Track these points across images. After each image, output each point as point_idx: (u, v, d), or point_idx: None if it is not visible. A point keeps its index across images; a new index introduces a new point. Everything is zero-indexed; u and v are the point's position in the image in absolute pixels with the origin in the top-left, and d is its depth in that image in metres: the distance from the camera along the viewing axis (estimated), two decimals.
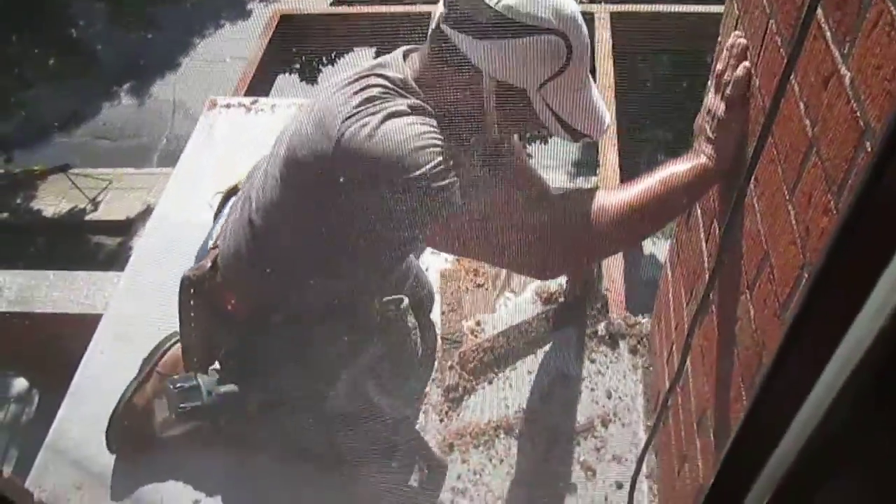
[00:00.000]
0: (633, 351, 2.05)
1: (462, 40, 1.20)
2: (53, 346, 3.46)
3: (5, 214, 8.17)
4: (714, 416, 1.29)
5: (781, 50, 0.96)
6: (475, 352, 2.07)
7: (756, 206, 1.07)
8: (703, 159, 1.17)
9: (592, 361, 2.05)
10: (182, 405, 1.55)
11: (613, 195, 1.22)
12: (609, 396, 1.97)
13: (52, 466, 1.94)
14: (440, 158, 1.18)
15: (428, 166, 1.16)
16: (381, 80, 1.26)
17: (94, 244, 7.54)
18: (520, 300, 2.25)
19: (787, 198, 0.94)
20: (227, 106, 3.02)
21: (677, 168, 1.18)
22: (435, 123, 1.23)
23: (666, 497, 1.68)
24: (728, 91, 1.13)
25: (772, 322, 0.99)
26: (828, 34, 0.81)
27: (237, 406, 1.55)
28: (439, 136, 1.21)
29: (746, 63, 1.11)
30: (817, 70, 0.84)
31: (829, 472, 0.63)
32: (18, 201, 8.26)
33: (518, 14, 1.16)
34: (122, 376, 1.87)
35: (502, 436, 1.93)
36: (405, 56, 1.34)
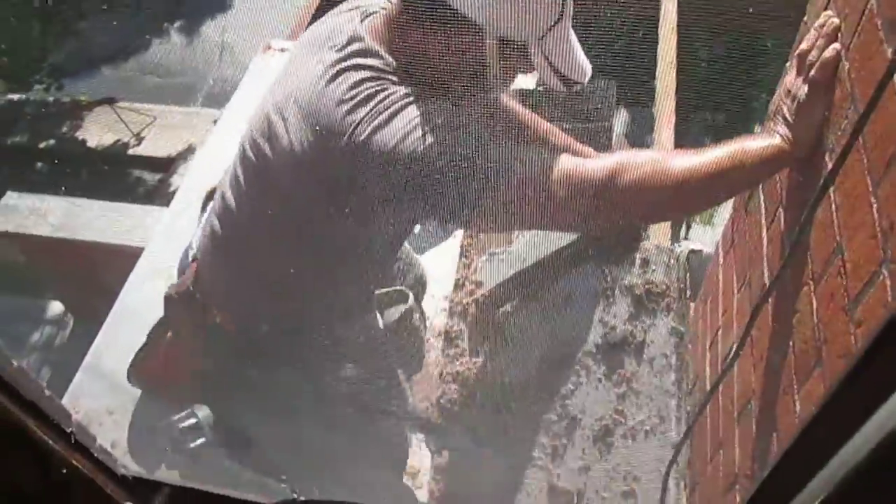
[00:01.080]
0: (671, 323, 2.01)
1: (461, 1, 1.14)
2: (91, 274, 3.52)
3: (52, 142, 8.28)
4: (758, 407, 1.27)
5: (881, 33, 0.91)
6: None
7: (832, 195, 1.02)
8: (777, 140, 1.12)
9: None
10: (189, 445, 1.50)
11: (677, 160, 1.15)
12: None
13: (87, 390, 1.98)
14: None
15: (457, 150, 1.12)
16: (365, 71, 1.18)
17: (135, 178, 7.61)
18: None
19: (871, 189, 0.90)
20: (283, 50, 2.99)
21: (749, 145, 1.13)
22: (437, 102, 1.17)
23: (694, 480, 1.67)
24: (813, 73, 1.08)
25: (837, 317, 0.95)
26: None
27: (239, 433, 1.51)
28: (452, 118, 1.16)
29: (837, 45, 1.06)
30: None
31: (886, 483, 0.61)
32: (64, 130, 8.36)
33: None
34: (157, 311, 1.89)
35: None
36: (363, 21, 1.27)
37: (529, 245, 2.06)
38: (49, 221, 3.81)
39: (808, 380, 1.05)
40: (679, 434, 1.78)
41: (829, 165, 1.01)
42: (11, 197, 3.91)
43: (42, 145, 8.06)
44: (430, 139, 1.12)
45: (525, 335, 1.98)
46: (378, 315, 1.59)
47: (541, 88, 1.91)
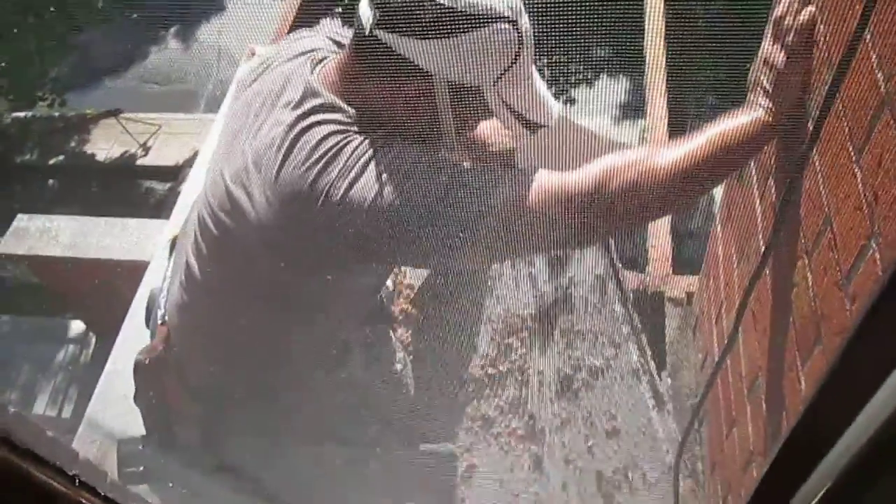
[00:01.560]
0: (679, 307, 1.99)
1: (403, 44, 1.08)
2: (106, 292, 3.54)
3: (61, 157, 8.34)
4: (766, 383, 1.23)
5: None
6: None
7: (817, 164, 0.98)
8: (759, 112, 1.07)
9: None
10: (125, 469, 1.46)
11: (661, 156, 1.10)
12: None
13: (100, 419, 1.98)
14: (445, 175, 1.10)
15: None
16: (326, 126, 1.13)
17: (145, 189, 7.66)
18: None
19: (854, 159, 0.85)
20: None
21: (731, 123, 1.07)
22: (404, 147, 1.13)
23: (713, 459, 1.64)
24: (789, 38, 1.04)
25: (832, 292, 0.92)
26: None
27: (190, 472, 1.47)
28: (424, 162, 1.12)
29: (811, 8, 1.01)
30: (894, 17, 0.75)
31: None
32: (73, 144, 8.41)
33: (465, 4, 1.04)
34: None
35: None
36: (314, 70, 1.20)
37: None
38: (60, 241, 3.84)
39: (810, 357, 1.01)
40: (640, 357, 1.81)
41: (810, 133, 0.97)
42: (22, 219, 3.95)
43: (52, 162, 8.12)
44: (407, 184, 1.08)
45: (463, 317, 2.00)
46: (360, 358, 1.55)
47: None
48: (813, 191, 0.99)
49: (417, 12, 1.06)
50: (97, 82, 9.34)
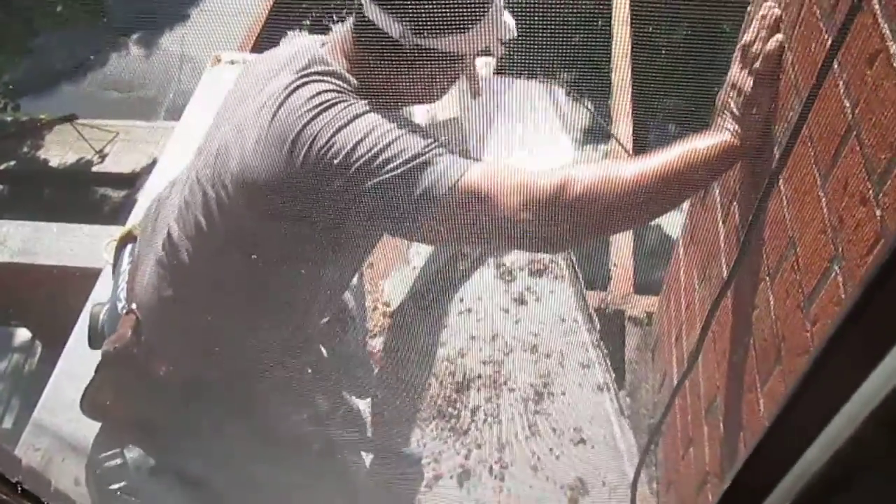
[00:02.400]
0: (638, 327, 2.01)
1: (438, 42, 1.14)
2: (55, 299, 3.44)
3: (13, 163, 8.13)
4: (724, 404, 1.25)
5: (821, 23, 0.89)
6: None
7: (782, 188, 1.00)
8: (726, 136, 1.09)
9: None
10: (109, 486, 1.41)
11: (626, 167, 1.11)
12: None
13: (47, 426, 1.92)
14: (425, 139, 1.11)
15: (419, 145, 1.09)
16: (327, 82, 1.17)
17: (100, 196, 7.50)
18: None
19: (819, 183, 0.87)
20: (232, 62, 2.94)
21: (699, 143, 1.09)
22: (399, 117, 1.16)
23: (669, 479, 1.65)
24: (757, 65, 1.06)
25: (794, 314, 0.93)
26: (876, 6, 0.74)
27: (168, 481, 1.43)
28: (410, 123, 1.15)
29: (780, 36, 1.04)
30: (862, 46, 0.77)
31: (855, 481, 0.59)
32: (25, 150, 8.21)
33: None
34: None
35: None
36: (323, 46, 1.25)
37: (427, 260, 2.18)
38: (8, 247, 3.73)
39: (769, 378, 1.03)
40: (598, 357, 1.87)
41: (777, 158, 0.99)
42: None
43: (2, 167, 7.91)
44: (390, 137, 1.10)
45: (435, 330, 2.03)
46: (321, 346, 1.54)
47: None
48: (777, 214, 1.01)
49: None
50: (54, 87, 9.15)
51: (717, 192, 1.36)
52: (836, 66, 0.84)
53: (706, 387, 1.36)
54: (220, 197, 1.22)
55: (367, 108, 1.14)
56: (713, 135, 1.09)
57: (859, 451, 0.57)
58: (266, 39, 3.36)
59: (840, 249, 0.80)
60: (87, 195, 7.20)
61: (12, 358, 4.70)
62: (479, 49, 1.19)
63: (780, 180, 1.00)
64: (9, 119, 8.43)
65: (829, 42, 0.84)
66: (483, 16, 1.14)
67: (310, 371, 1.48)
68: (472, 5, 1.14)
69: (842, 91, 0.81)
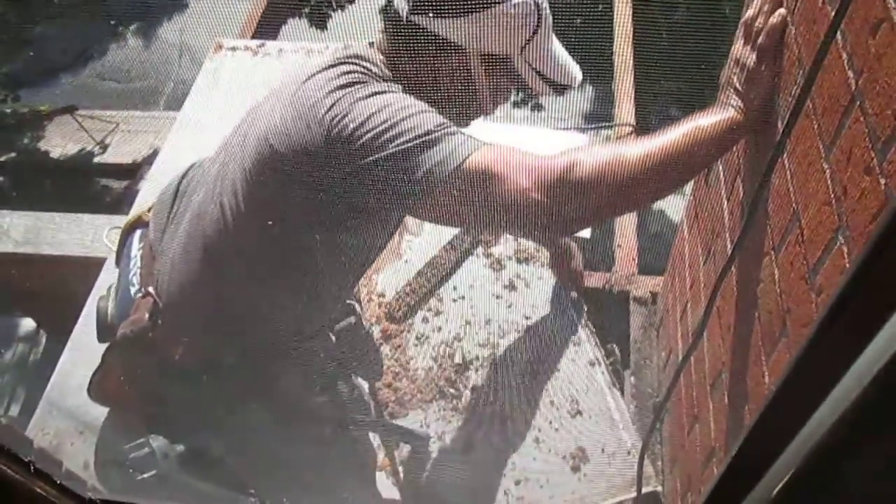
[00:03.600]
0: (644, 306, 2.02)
1: (439, 24, 1.20)
2: (59, 289, 3.46)
3: (13, 154, 8.13)
4: (729, 379, 1.26)
5: None
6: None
7: (786, 162, 1.01)
8: (731, 112, 1.09)
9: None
10: (139, 476, 1.38)
11: (633, 146, 1.11)
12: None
13: (56, 410, 1.94)
14: (438, 120, 1.12)
15: (431, 123, 1.11)
16: (358, 66, 1.22)
17: (101, 187, 7.51)
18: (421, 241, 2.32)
19: (823, 155, 0.88)
20: (233, 49, 2.94)
21: (703, 121, 1.09)
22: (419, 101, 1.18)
23: (674, 455, 1.66)
24: (760, 40, 1.06)
25: (798, 286, 0.94)
26: None
27: (195, 462, 1.42)
28: (429, 108, 1.17)
29: (782, 10, 1.04)
30: (865, 16, 0.77)
31: (859, 449, 0.60)
32: (26, 141, 8.21)
33: None
34: None
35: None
36: (370, 46, 1.31)
37: (419, 254, 2.26)
38: (12, 237, 3.74)
39: (774, 350, 1.04)
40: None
41: (781, 132, 0.99)
42: None
43: (3, 158, 7.91)
44: (403, 114, 1.12)
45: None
46: (329, 332, 1.55)
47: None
48: (782, 188, 1.02)
49: None
50: (53, 78, 9.13)
51: (721, 168, 1.37)
52: (839, 37, 0.84)
53: (711, 362, 1.37)
54: (247, 170, 1.24)
55: (390, 88, 1.18)
56: (717, 111, 1.10)
57: (865, 414, 0.58)
58: (266, 25, 3.36)
59: (844, 219, 0.81)
60: (88, 185, 7.21)
61: (17, 348, 4.72)
62: (487, 49, 1.23)
63: (784, 154, 1.01)
64: (8, 111, 8.42)
65: (833, 13, 0.84)
66: (486, 8, 1.18)
67: (322, 355, 1.49)
68: (526, 20, 1.21)
69: (845, 61, 0.82)
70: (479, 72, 1.25)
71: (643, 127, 2.38)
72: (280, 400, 1.43)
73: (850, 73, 0.81)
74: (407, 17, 1.20)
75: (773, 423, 0.67)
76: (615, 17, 2.60)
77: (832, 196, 0.85)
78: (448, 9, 1.18)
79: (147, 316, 1.36)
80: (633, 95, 2.40)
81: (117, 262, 1.56)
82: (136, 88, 9.10)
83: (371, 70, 1.23)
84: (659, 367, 1.84)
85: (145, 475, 1.37)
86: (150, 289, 1.38)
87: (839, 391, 0.59)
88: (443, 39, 1.20)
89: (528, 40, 1.24)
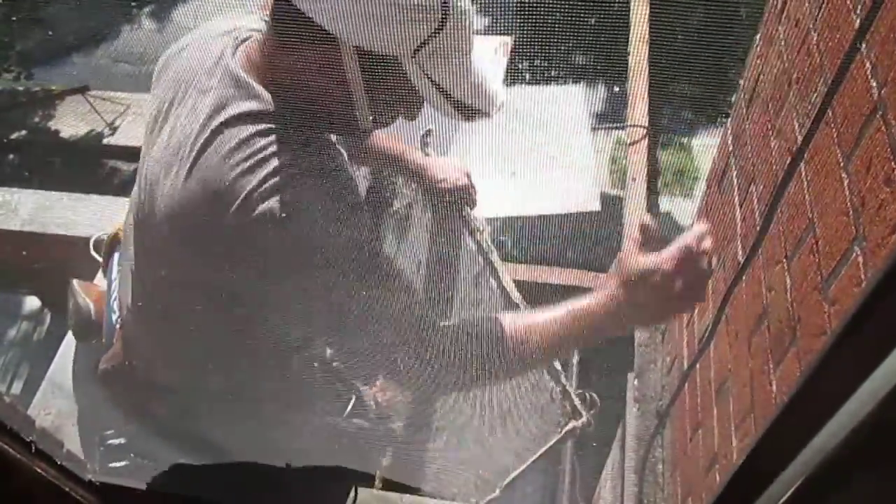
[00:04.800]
0: None
1: (310, 4, 0.95)
2: (64, 268, 3.46)
3: (24, 132, 8.15)
4: (735, 387, 1.25)
5: (849, 2, 0.88)
6: None
7: (803, 170, 1.00)
8: (610, 299, 1.06)
9: None
10: (109, 465, 1.36)
11: (520, 318, 1.13)
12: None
13: (57, 391, 1.94)
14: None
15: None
16: (244, 125, 1.02)
17: (110, 168, 7.53)
18: None
19: (842, 164, 0.87)
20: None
21: (585, 304, 1.08)
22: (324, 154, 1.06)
23: (675, 460, 1.65)
24: (683, 281, 1.02)
25: (811, 296, 0.93)
26: None
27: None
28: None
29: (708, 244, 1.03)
30: (891, 24, 0.76)
31: (869, 463, 0.59)
32: (37, 120, 8.23)
33: None
34: None
35: None
36: (235, 52, 1.09)
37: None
38: (20, 215, 3.75)
39: (783, 360, 1.03)
40: None
41: (800, 140, 0.98)
42: None
43: (14, 136, 7.92)
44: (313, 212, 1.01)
45: None
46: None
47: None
48: (797, 196, 1.01)
49: None
50: (65, 58, 9.14)
51: (735, 174, 1.36)
52: (863, 47, 0.83)
53: (717, 369, 1.37)
54: (148, 220, 1.13)
55: (292, 151, 1.02)
56: (599, 294, 1.07)
57: (878, 429, 0.57)
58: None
59: (862, 230, 0.80)
60: (97, 167, 7.22)
61: (21, 325, 4.74)
62: (365, 44, 0.99)
63: (801, 162, 1.00)
64: (20, 88, 8.44)
65: (858, 22, 0.83)
66: (436, 36, 0.98)
67: (316, 365, 1.45)
68: (424, 15, 0.96)
69: (868, 71, 0.81)
70: (354, 71, 1.00)
71: (655, 128, 2.37)
72: (276, 412, 1.38)
73: (874, 83, 0.80)
74: None
75: (782, 434, 0.66)
76: (631, 17, 2.58)
77: (850, 206, 0.84)
78: None
79: (121, 349, 1.30)
80: (646, 97, 2.39)
81: (105, 275, 1.50)
82: (149, 71, 9.11)
83: (257, 112, 1.03)
84: (662, 372, 1.83)
85: (116, 465, 1.35)
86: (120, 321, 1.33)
87: (853, 404, 0.58)
88: (315, 25, 0.96)
89: (424, 42, 0.98)
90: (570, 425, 1.51)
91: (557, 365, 1.53)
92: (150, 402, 1.33)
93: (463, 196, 1.60)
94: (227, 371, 1.26)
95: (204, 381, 1.30)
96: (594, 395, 1.81)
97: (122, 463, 1.36)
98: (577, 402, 1.49)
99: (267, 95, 1.04)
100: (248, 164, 1.00)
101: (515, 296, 1.61)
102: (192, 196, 1.03)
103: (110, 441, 1.38)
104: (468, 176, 1.61)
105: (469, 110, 1.07)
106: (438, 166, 1.60)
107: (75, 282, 1.54)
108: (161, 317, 1.22)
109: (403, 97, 1.08)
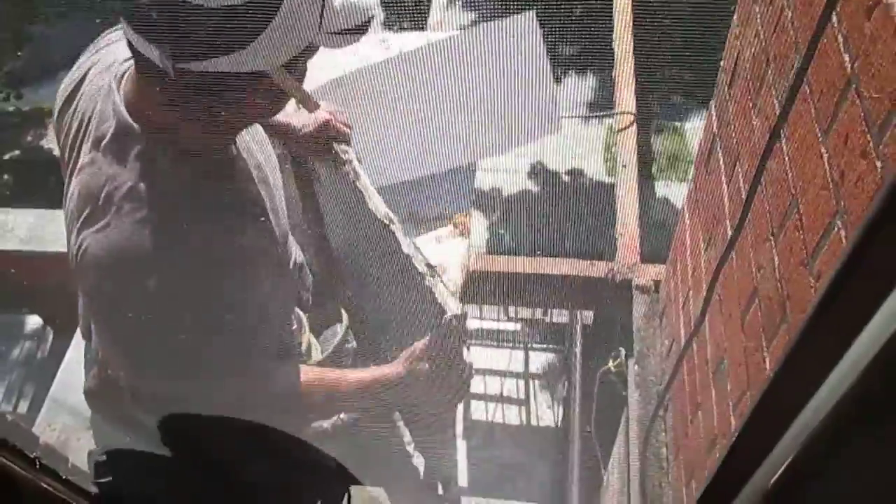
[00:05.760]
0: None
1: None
2: (64, 286, 3.47)
3: (17, 152, 8.15)
4: (731, 366, 1.26)
5: None
6: None
7: (784, 147, 1.01)
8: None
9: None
10: (97, 480, 1.39)
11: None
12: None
13: (61, 407, 1.95)
14: None
15: None
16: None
17: None
18: None
19: (820, 139, 0.88)
20: None
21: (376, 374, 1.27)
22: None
23: (677, 444, 1.66)
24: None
25: (798, 272, 0.94)
26: None
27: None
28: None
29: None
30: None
31: (857, 435, 0.60)
32: (29, 139, 8.22)
33: None
34: None
35: None
36: (120, 88, 1.06)
37: None
38: (16, 235, 3.76)
39: (775, 337, 1.04)
40: None
41: (778, 116, 0.99)
42: None
43: (7, 156, 7.92)
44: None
45: None
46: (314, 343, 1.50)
47: None
48: (780, 174, 1.01)
49: None
50: (53, 78, 9.14)
51: (721, 154, 1.36)
52: (834, 20, 0.84)
53: (713, 350, 1.37)
54: None
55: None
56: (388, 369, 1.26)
57: (862, 400, 0.57)
58: None
59: (842, 204, 0.81)
60: None
61: (24, 345, 4.75)
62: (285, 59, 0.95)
63: (782, 139, 1.00)
64: (11, 109, 8.43)
65: None
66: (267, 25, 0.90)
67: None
68: (247, 20, 0.89)
69: (841, 45, 0.81)
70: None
71: (643, 114, 2.38)
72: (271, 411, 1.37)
73: (846, 57, 0.80)
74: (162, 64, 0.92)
75: (770, 410, 0.67)
76: (615, 4, 2.59)
77: (830, 180, 0.85)
78: (211, 49, 0.89)
79: (104, 372, 1.30)
80: (633, 84, 2.40)
81: None
82: None
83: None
84: (662, 356, 1.83)
85: (102, 480, 1.33)
86: None
87: (836, 377, 0.59)
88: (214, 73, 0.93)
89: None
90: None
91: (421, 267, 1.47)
92: (135, 411, 1.30)
93: (331, 135, 1.54)
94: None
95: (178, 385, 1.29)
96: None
97: (107, 479, 1.36)
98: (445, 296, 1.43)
99: (128, 123, 1.03)
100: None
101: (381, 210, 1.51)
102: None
103: (98, 458, 1.37)
104: (332, 114, 1.54)
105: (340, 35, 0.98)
106: (296, 118, 1.53)
107: None
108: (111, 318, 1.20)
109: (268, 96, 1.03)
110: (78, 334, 2.13)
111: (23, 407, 4.28)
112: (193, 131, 1.04)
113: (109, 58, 1.14)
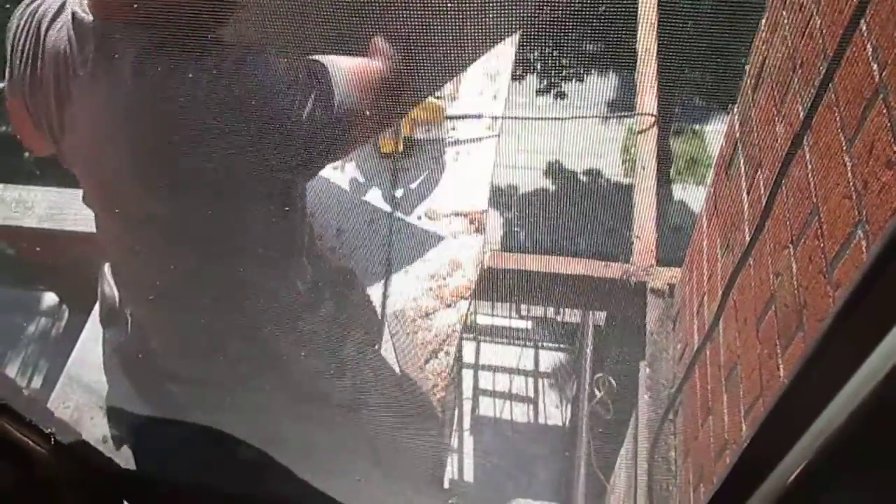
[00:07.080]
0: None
1: None
2: (82, 265, 3.49)
3: None
4: (744, 372, 1.25)
5: None
6: None
7: (807, 155, 1.00)
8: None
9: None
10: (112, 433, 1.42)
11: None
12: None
13: (76, 385, 1.96)
14: None
15: None
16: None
17: None
18: None
19: (844, 148, 0.87)
20: None
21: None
22: None
23: (687, 447, 1.66)
24: None
25: (816, 280, 0.93)
26: None
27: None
28: None
29: None
30: (892, 7, 0.76)
31: (872, 441, 0.60)
32: None
33: None
34: None
35: None
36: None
37: None
38: (35, 212, 3.79)
39: (790, 344, 1.03)
40: None
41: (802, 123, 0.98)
42: None
43: None
44: None
45: None
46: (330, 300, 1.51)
47: None
48: (801, 181, 1.01)
49: None
50: None
51: (742, 160, 1.36)
52: (863, 29, 0.83)
53: (726, 355, 1.37)
54: None
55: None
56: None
57: (880, 408, 0.57)
58: None
59: (864, 213, 0.80)
60: None
61: (40, 321, 4.80)
62: None
63: (805, 146, 1.00)
64: None
65: (856, 3, 0.83)
66: None
67: (325, 324, 1.46)
68: None
69: (869, 54, 0.81)
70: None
71: (665, 115, 2.37)
72: (288, 374, 1.40)
73: (875, 66, 0.80)
74: None
75: (784, 417, 0.67)
76: (640, 4, 2.57)
77: (853, 190, 0.84)
78: None
79: (129, 328, 1.34)
80: (655, 85, 2.38)
81: None
82: None
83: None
84: (674, 360, 1.83)
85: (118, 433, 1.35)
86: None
87: (852, 386, 0.59)
88: None
89: None
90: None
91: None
92: (165, 386, 1.36)
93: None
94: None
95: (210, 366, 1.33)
96: (611, 379, 1.80)
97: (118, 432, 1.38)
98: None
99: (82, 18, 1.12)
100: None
101: None
102: None
103: (113, 433, 1.40)
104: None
105: None
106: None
107: (106, 267, 1.58)
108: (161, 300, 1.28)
109: None
110: (96, 313, 2.15)
111: (37, 382, 4.33)
112: None
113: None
